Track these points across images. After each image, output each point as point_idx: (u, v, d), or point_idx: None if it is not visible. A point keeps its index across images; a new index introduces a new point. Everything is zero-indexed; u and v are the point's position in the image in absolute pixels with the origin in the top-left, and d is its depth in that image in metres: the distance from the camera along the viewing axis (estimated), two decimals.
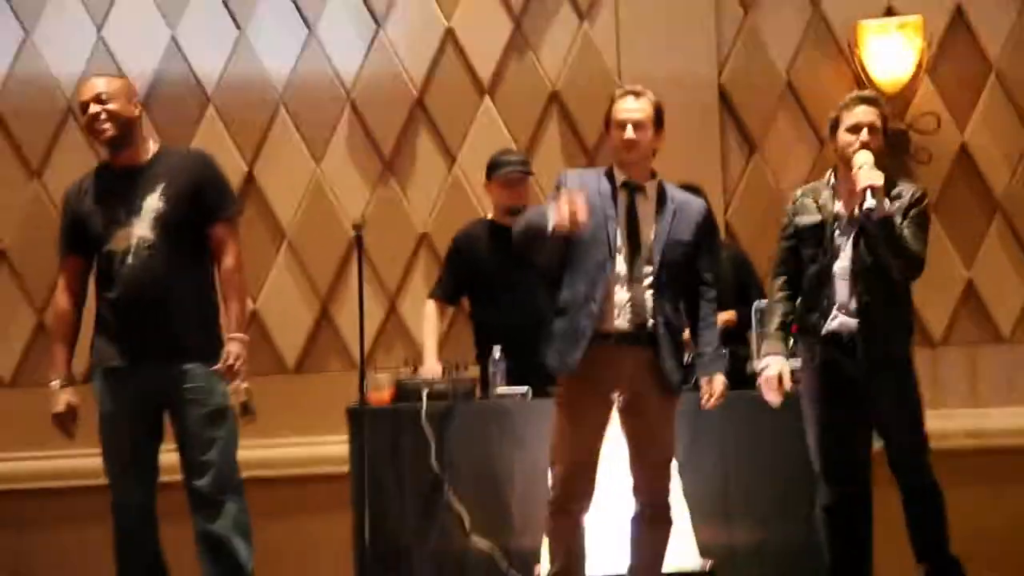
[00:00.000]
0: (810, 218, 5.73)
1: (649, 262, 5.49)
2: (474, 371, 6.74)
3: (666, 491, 5.61)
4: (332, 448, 6.85)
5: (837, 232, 5.65)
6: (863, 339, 5.60)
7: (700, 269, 5.63)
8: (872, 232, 5.55)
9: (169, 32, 7.78)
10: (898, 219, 5.61)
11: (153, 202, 5.63)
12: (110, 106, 5.65)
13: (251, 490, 5.74)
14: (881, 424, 5.71)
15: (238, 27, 7.80)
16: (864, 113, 5.66)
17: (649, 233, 5.52)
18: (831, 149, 5.85)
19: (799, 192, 5.88)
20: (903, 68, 7.65)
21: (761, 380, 5.77)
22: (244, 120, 7.79)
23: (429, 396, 6.42)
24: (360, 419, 6.38)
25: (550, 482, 5.60)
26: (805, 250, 5.73)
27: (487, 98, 7.83)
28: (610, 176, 5.60)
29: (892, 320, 5.67)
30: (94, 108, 5.66)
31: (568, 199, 5.25)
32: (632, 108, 5.60)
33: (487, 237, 6.87)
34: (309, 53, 7.82)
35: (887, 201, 5.53)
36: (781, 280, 5.81)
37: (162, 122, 7.52)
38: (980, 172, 7.74)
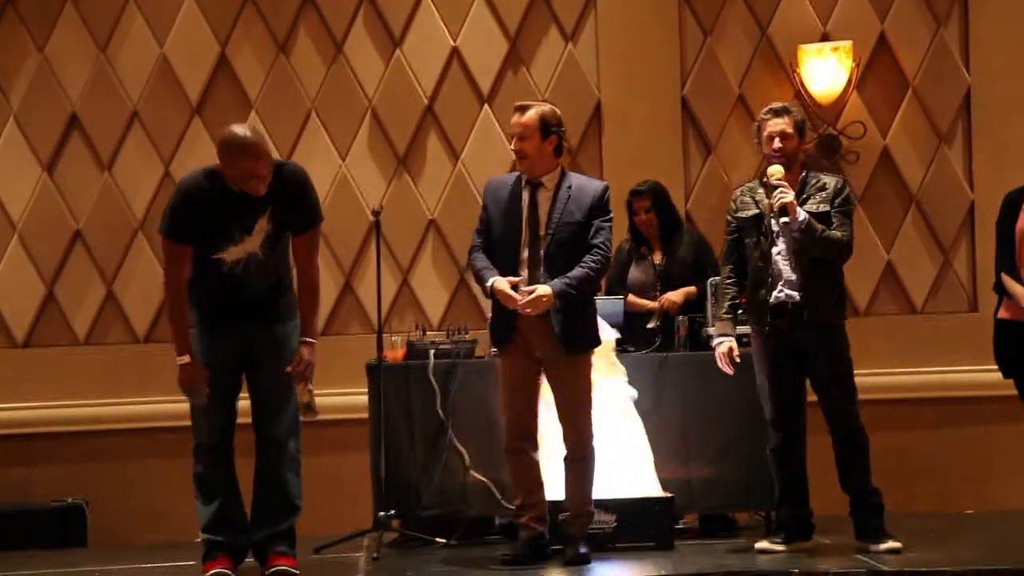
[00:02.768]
0: (749, 212, 5.82)
1: (546, 242, 5.68)
2: (474, 334, 6.77)
3: (581, 437, 5.73)
4: (354, 399, 6.94)
5: (774, 221, 5.73)
6: (806, 308, 5.68)
7: (590, 238, 5.69)
8: (797, 239, 5.65)
9: (219, 49, 7.85)
10: (825, 207, 5.71)
11: (264, 224, 5.38)
12: (264, 171, 5.32)
13: None
14: (818, 379, 5.80)
15: (280, 49, 7.88)
16: (774, 124, 5.75)
17: (545, 219, 5.71)
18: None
19: (738, 192, 5.98)
20: (836, 84, 7.70)
21: (717, 355, 5.88)
22: (282, 121, 7.83)
23: (436, 355, 6.49)
24: (377, 374, 6.46)
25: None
26: (748, 238, 5.81)
27: (486, 107, 7.87)
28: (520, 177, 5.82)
29: (828, 292, 5.75)
30: (255, 186, 5.30)
31: (502, 295, 5.61)
32: (515, 123, 5.75)
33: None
34: (337, 67, 7.87)
35: (800, 212, 5.63)
36: (728, 268, 5.92)
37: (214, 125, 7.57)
38: (898, 170, 7.79)
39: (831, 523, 6.06)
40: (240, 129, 5.40)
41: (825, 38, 7.76)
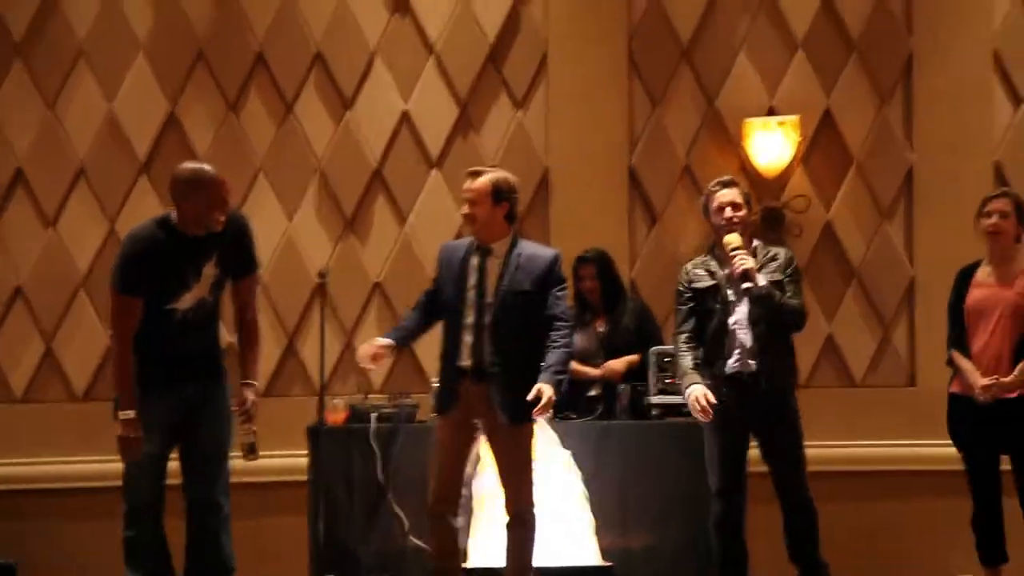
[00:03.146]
0: (705, 283, 5.82)
1: (492, 310, 5.61)
2: (416, 398, 6.77)
3: (522, 501, 5.64)
4: (293, 461, 6.85)
5: (730, 292, 5.75)
6: (762, 376, 5.68)
7: (548, 309, 5.62)
8: (757, 303, 5.67)
9: (168, 106, 7.79)
10: (778, 276, 5.74)
11: (211, 268, 5.38)
12: (227, 198, 5.41)
13: None
14: (770, 448, 5.80)
15: (230, 108, 7.83)
16: (724, 195, 5.79)
17: (493, 287, 5.64)
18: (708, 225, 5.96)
19: (689, 265, 5.96)
20: (781, 158, 7.67)
21: (690, 402, 5.76)
22: (231, 180, 7.73)
23: (378, 418, 6.49)
24: (318, 436, 6.43)
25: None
26: (704, 307, 5.81)
27: (435, 171, 7.84)
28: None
29: (782, 363, 5.78)
30: (218, 216, 5.32)
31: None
32: (467, 188, 5.72)
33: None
34: (286, 128, 7.84)
35: (760, 277, 5.66)
36: (685, 335, 5.88)
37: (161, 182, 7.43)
38: (841, 244, 7.77)
39: None
40: (195, 164, 5.53)
41: (772, 112, 7.76)
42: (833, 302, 7.77)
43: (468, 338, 5.62)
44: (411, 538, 6.34)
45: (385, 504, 6.38)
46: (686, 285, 5.89)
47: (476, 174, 5.73)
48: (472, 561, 6.19)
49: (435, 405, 5.85)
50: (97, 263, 7.67)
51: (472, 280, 5.67)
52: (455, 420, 5.66)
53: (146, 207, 7.53)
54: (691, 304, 5.87)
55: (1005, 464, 6.05)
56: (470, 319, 5.63)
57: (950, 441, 6.11)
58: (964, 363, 5.89)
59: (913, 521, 7.48)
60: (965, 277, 6.00)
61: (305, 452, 6.52)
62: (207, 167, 5.45)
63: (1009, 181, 7.46)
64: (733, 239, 5.70)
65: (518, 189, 5.80)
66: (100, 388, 7.49)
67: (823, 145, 7.82)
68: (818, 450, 6.94)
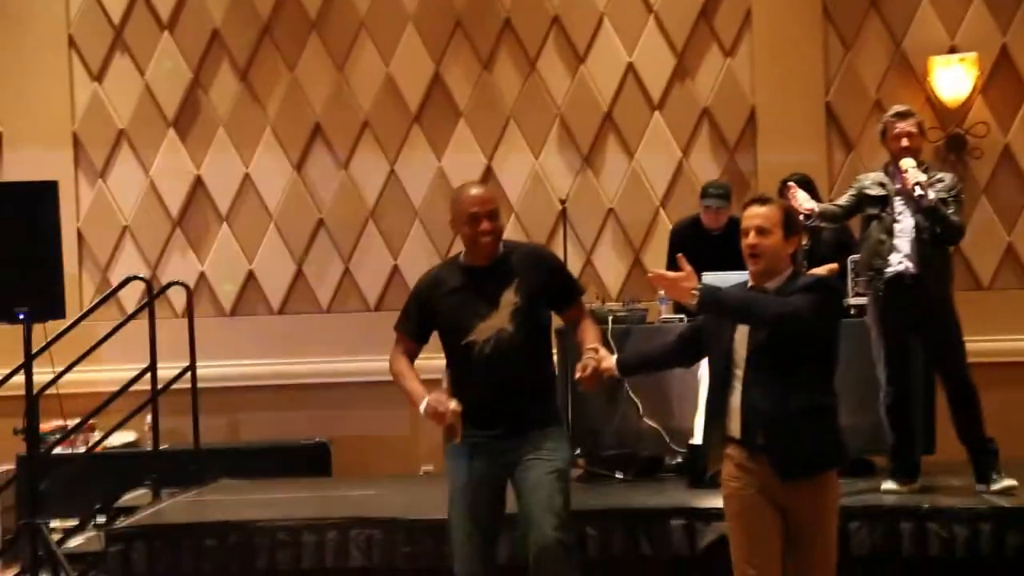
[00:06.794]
0: (876, 192, 5.75)
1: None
2: (646, 304, 6.77)
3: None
4: None
5: (898, 204, 5.68)
6: (921, 280, 5.62)
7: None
8: (924, 215, 5.61)
9: (434, 68, 8.10)
10: (944, 195, 5.64)
11: (510, 296, 4.44)
12: (498, 224, 4.49)
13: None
14: (931, 341, 5.73)
15: (484, 67, 8.15)
16: (901, 126, 5.68)
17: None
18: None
19: (863, 177, 5.88)
20: (962, 90, 7.68)
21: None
22: (486, 127, 8.04)
23: (613, 320, 6.47)
24: (563, 336, 6.17)
25: None
26: (871, 209, 5.73)
27: (656, 113, 7.98)
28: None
29: (940, 269, 5.68)
30: (486, 225, 4.44)
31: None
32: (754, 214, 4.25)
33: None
34: (531, 82, 8.04)
35: (930, 191, 5.59)
36: (837, 208, 5.83)
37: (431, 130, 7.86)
38: (1018, 164, 7.73)
39: (952, 467, 6.00)
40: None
41: (953, 50, 7.74)
42: (1012, 214, 7.74)
43: None
44: (645, 420, 6.39)
45: (623, 392, 6.40)
46: (856, 189, 5.81)
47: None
48: None
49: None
50: (380, 199, 8.14)
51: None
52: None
53: (419, 153, 8.00)
54: (854, 200, 5.77)
55: None
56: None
57: None
58: None
59: None
60: None
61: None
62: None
63: None
64: (908, 163, 5.64)
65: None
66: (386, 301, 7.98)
67: (1000, 78, 7.78)
68: (996, 344, 6.95)
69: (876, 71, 7.88)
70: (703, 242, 6.67)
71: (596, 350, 4.44)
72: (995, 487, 5.61)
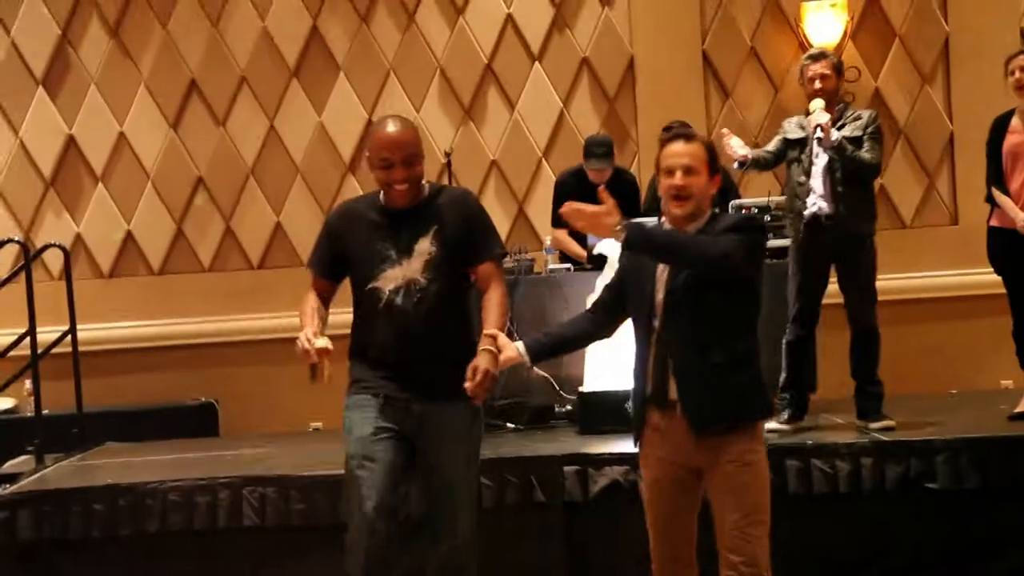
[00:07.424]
0: (795, 135, 5.80)
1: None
2: (532, 254, 6.81)
3: None
4: None
5: (816, 144, 5.71)
6: (836, 218, 5.66)
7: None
8: (833, 153, 5.65)
9: (311, 21, 8.03)
10: (859, 133, 5.68)
11: (425, 245, 4.04)
12: (415, 170, 4.03)
13: None
14: (844, 283, 5.78)
15: (362, 20, 8.03)
16: (813, 68, 5.72)
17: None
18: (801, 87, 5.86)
19: (785, 122, 5.93)
20: (833, 35, 7.77)
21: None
22: (366, 81, 7.99)
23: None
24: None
25: None
26: (791, 153, 5.79)
27: (536, 64, 7.97)
28: None
29: (858, 206, 5.70)
30: (399, 173, 4.00)
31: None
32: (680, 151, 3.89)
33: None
34: (410, 34, 8.02)
35: (833, 132, 5.61)
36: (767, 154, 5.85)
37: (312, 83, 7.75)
38: (888, 108, 7.83)
39: (831, 405, 6.14)
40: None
41: None
42: (884, 158, 7.73)
43: None
44: (534, 369, 5.96)
45: (512, 340, 6.21)
46: (781, 134, 5.87)
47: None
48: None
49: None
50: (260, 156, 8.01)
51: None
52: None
53: (299, 108, 7.92)
54: (781, 144, 5.82)
55: None
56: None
57: (991, 269, 6.01)
58: (1004, 198, 5.75)
59: (961, 340, 7.57)
60: (1001, 124, 5.85)
61: None
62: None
63: None
64: (816, 104, 5.67)
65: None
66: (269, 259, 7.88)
67: (869, 23, 7.87)
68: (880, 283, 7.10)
69: (751, 19, 7.94)
70: (588, 193, 6.50)
71: (494, 338, 3.88)
72: (874, 425, 5.70)
